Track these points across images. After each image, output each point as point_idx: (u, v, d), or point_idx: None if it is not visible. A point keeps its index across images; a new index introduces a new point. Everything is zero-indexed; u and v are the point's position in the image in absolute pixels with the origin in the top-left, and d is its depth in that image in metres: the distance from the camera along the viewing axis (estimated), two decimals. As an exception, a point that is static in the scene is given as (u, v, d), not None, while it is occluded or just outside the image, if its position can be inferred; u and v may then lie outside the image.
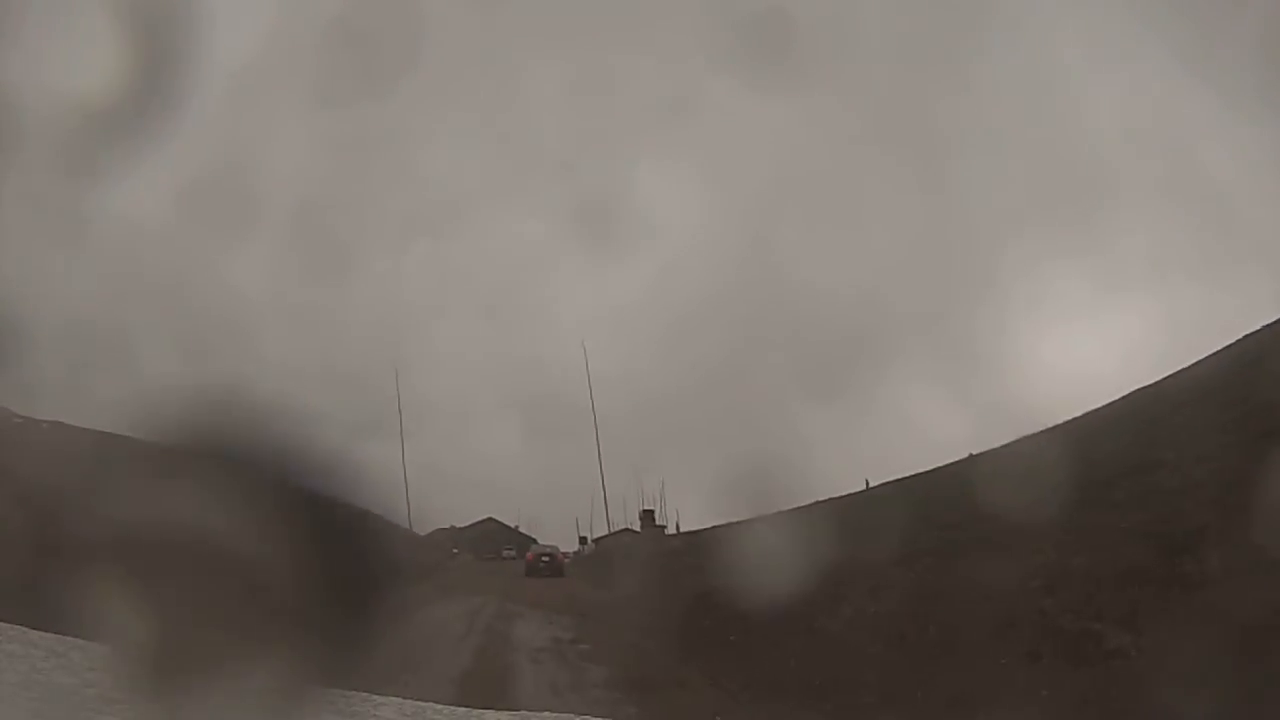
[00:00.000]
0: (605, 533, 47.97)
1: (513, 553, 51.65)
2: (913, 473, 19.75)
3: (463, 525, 55.09)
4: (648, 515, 44.34)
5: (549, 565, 36.33)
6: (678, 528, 40.74)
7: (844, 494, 21.69)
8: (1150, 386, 14.62)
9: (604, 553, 42.40)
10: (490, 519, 57.72)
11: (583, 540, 49.00)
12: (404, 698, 5.95)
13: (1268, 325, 13.29)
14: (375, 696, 6.09)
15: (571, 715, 6.16)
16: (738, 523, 22.79)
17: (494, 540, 55.29)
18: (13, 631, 5.43)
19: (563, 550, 43.74)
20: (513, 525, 58.21)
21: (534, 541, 47.71)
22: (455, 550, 49.85)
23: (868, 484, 22.22)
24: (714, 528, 25.13)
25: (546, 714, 6.21)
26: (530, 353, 49.56)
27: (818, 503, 21.08)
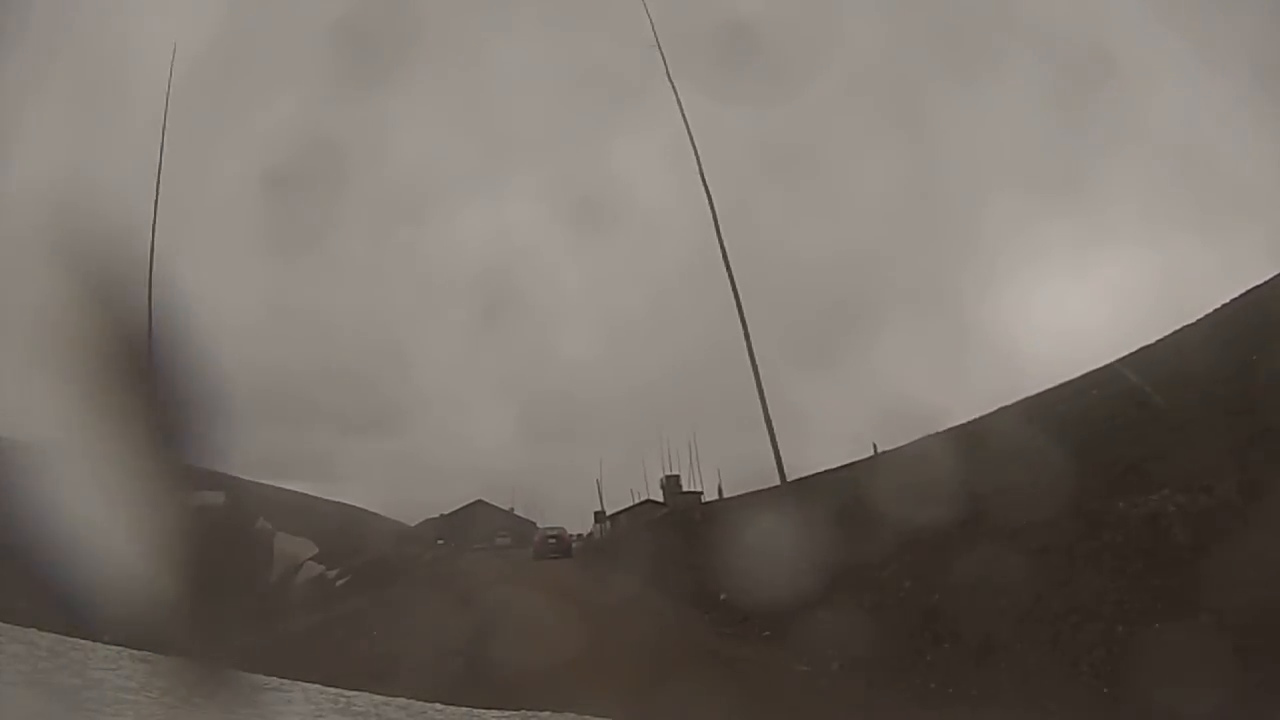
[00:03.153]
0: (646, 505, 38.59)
1: (508, 540, 44.31)
2: (902, 443, 19.77)
3: (448, 511, 45.51)
4: (672, 482, 37.94)
5: (556, 545, 36.19)
6: (720, 491, 33.63)
7: (853, 460, 21.58)
8: (1138, 353, 14.70)
9: (624, 533, 36.65)
10: (479, 501, 47.70)
11: (599, 516, 41.18)
12: (408, 698, 5.96)
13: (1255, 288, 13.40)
14: (377, 696, 6.10)
15: (572, 715, 6.15)
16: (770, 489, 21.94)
17: (485, 526, 46.18)
18: (14, 631, 5.42)
19: (570, 532, 40.67)
20: (507, 508, 48.26)
21: (534, 525, 44.35)
22: (440, 541, 45.60)
23: (875, 448, 22.00)
24: (756, 491, 23.04)
25: (547, 714, 6.21)
26: (523, 339, 48.62)
27: (829, 470, 21.11)
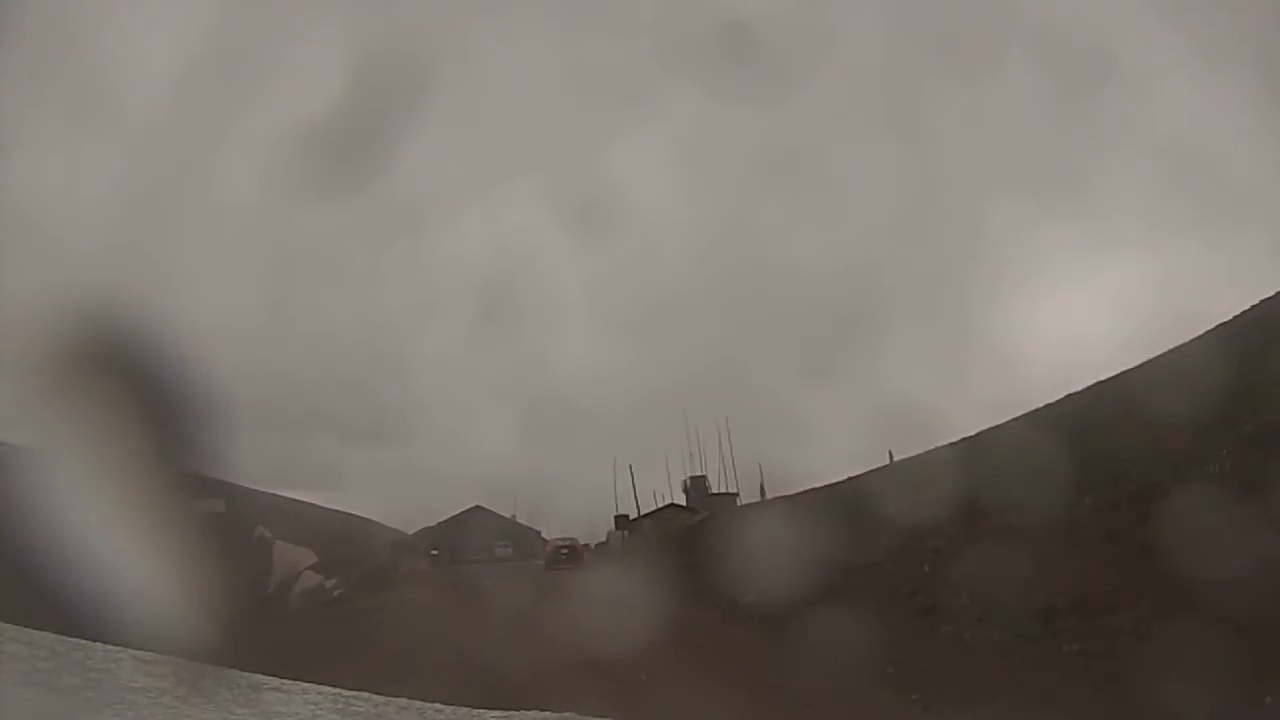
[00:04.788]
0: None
1: (509, 550, 40.93)
2: (908, 455, 20.04)
3: (444, 518, 42.63)
4: (698, 483, 34.45)
5: (569, 556, 34.38)
6: (762, 491, 29.06)
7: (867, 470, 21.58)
8: (1138, 368, 14.85)
9: (647, 542, 31.26)
10: (478, 508, 44.29)
11: (620, 522, 36.59)
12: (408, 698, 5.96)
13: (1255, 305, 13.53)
14: (375, 696, 6.10)
15: (573, 714, 6.15)
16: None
17: (484, 534, 43.10)
18: (14, 632, 5.42)
19: (580, 541, 36.82)
20: (508, 515, 45.05)
21: (537, 534, 42.37)
22: (434, 552, 40.36)
23: (891, 456, 22.16)
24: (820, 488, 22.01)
25: (548, 714, 6.20)
26: (527, 345, 48.40)
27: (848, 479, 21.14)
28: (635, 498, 36.26)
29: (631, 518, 35.89)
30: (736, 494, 32.22)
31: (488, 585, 26.70)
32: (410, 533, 42.68)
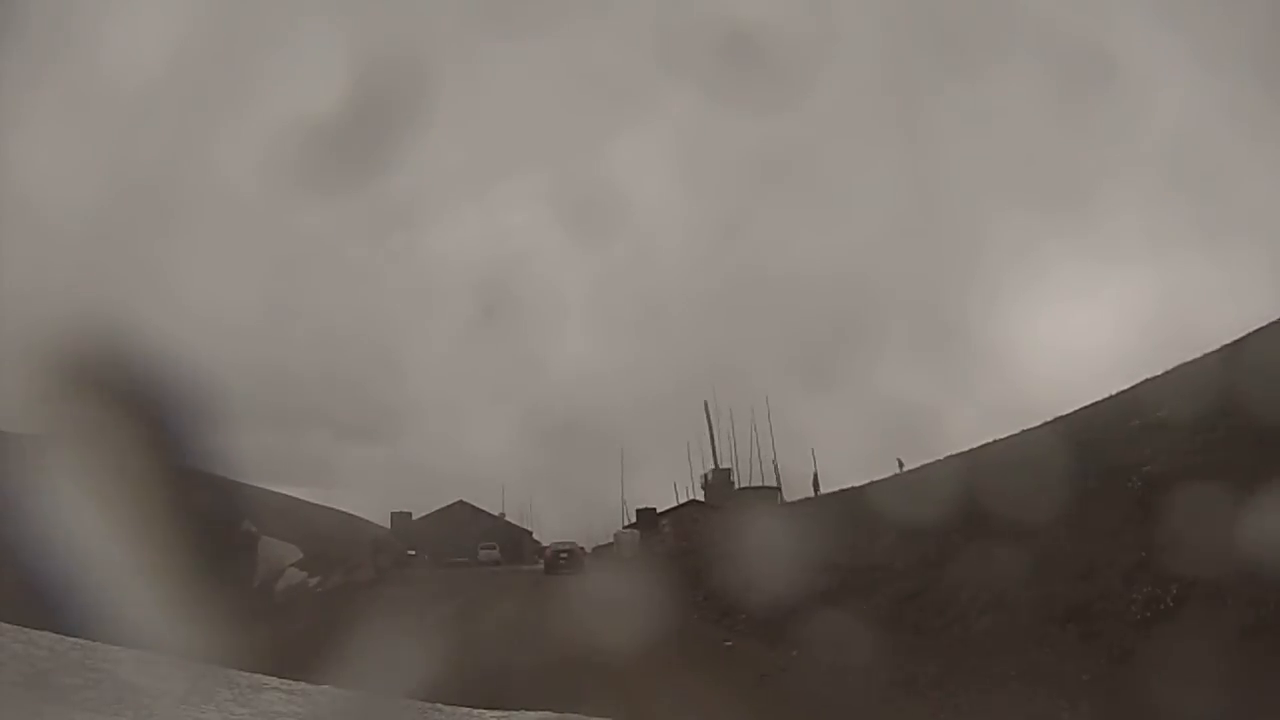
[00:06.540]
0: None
1: (495, 551, 37.69)
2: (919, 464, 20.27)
3: (419, 515, 38.17)
4: (720, 476, 31.99)
5: (569, 560, 32.73)
6: (815, 483, 25.77)
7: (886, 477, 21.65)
8: (1140, 385, 15.06)
9: (670, 546, 27.33)
10: (460, 503, 39.29)
11: (646, 514, 33.25)
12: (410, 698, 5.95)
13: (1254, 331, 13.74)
14: (375, 696, 6.10)
15: (574, 715, 6.15)
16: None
17: (466, 533, 38.21)
18: (13, 631, 5.37)
19: (580, 545, 34.94)
20: (496, 513, 40.37)
21: (528, 535, 40.65)
22: (411, 552, 36.39)
23: (901, 464, 22.27)
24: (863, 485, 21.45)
25: (548, 713, 6.21)
26: (524, 348, 48.24)
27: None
28: (713, 445, 30.94)
29: (659, 511, 32.87)
30: (778, 489, 29.08)
31: (442, 614, 19.93)
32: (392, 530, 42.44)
